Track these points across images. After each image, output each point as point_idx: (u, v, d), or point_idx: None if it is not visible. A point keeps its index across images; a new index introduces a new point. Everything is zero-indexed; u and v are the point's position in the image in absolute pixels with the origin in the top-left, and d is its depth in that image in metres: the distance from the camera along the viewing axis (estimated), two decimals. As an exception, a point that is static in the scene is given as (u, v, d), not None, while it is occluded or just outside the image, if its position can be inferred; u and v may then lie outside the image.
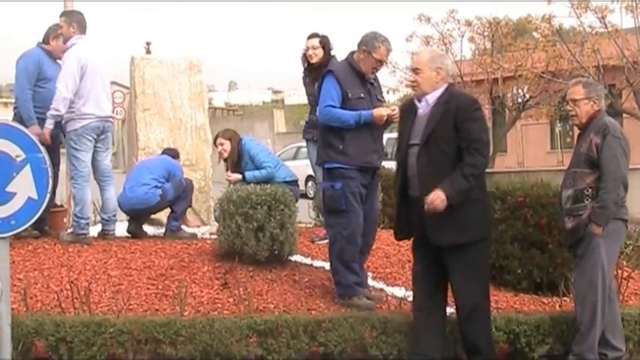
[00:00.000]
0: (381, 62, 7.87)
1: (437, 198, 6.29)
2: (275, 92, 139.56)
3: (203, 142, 11.38)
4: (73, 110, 9.28)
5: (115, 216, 9.73)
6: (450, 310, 6.99)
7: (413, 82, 6.73)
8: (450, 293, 6.82)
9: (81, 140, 9.34)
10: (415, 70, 6.68)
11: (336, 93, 7.78)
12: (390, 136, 17.14)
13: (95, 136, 9.43)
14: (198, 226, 10.56)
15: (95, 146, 9.50)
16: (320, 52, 9.50)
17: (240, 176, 9.97)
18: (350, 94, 7.76)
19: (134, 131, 11.23)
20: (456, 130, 6.42)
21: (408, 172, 6.58)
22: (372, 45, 7.78)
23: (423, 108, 6.61)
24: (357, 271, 7.84)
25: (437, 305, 6.73)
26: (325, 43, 9.52)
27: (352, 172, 7.67)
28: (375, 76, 8.15)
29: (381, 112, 7.67)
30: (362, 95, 7.81)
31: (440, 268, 6.62)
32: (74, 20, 9.56)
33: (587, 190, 6.80)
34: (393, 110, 7.69)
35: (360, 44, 7.85)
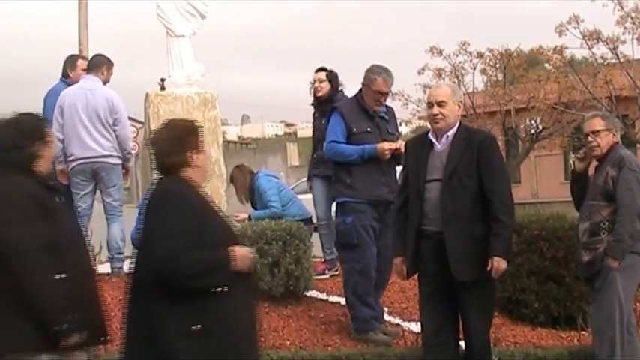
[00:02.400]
0: (380, 93, 7.86)
1: (500, 266, 6.28)
2: (288, 125, 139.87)
3: (217, 178, 11.35)
4: (64, 152, 9.38)
5: (119, 254, 9.54)
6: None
7: (436, 115, 6.54)
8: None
9: (72, 182, 9.34)
10: (440, 103, 6.56)
11: (340, 128, 7.87)
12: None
13: (85, 179, 9.39)
14: None
15: (98, 186, 9.54)
16: (326, 86, 9.47)
17: (246, 216, 9.95)
18: (355, 129, 7.82)
19: (149, 167, 11.24)
20: (477, 165, 6.39)
21: (425, 207, 6.52)
22: (368, 78, 7.86)
23: (442, 144, 6.55)
24: (373, 305, 7.82)
25: (449, 343, 6.66)
26: (332, 78, 9.48)
27: (363, 205, 7.71)
28: (390, 109, 8.16)
29: (383, 146, 7.68)
30: (368, 129, 7.84)
31: (449, 305, 6.56)
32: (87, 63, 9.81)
33: (604, 224, 6.74)
34: (399, 145, 7.70)
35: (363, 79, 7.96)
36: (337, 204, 7.96)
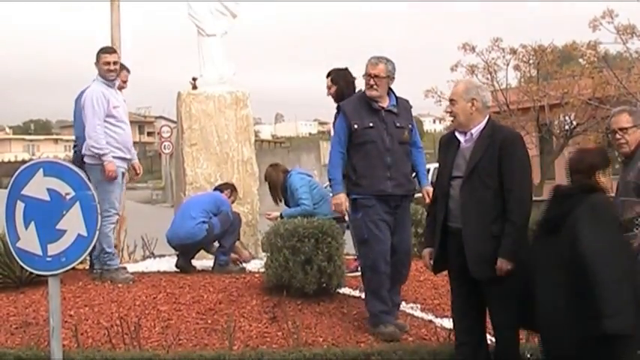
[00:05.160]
0: (369, 76, 7.96)
1: (503, 267, 6.29)
2: (321, 123, 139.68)
3: (250, 176, 11.40)
4: None
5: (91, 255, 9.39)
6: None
7: (449, 112, 6.78)
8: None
9: None
10: (451, 101, 6.72)
11: (342, 128, 8.06)
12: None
13: None
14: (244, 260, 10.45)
15: None
16: (334, 90, 9.42)
17: (278, 214, 10.00)
18: (356, 126, 7.95)
19: (181, 166, 11.30)
20: (499, 164, 6.40)
21: (450, 203, 6.57)
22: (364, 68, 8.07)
23: (467, 141, 6.59)
24: (385, 300, 7.92)
25: (479, 339, 6.67)
26: (337, 79, 9.41)
27: (371, 200, 7.87)
28: (401, 102, 8.18)
29: (335, 203, 8.05)
30: (371, 125, 7.95)
31: (478, 300, 6.57)
32: None
33: (638, 219, 6.63)
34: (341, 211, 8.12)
35: None
36: (350, 201, 8.06)
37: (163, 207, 36.60)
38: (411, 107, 8.34)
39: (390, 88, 8.12)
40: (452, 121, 6.81)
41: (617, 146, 6.93)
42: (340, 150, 8.00)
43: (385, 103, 8.02)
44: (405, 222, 8.10)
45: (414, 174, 8.29)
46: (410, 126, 8.19)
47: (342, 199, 7.92)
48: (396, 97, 8.15)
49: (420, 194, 8.38)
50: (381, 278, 7.85)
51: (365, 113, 7.95)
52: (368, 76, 7.96)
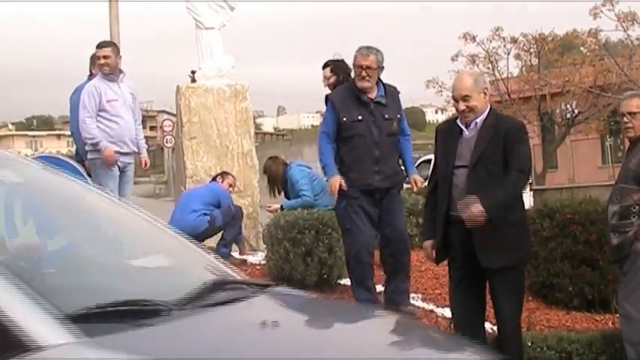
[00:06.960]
0: (360, 67, 7.89)
1: (478, 212, 6.22)
2: (323, 115, 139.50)
3: (250, 169, 11.41)
4: None
5: None
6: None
7: (463, 110, 6.43)
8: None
9: None
10: (465, 98, 6.49)
11: (331, 119, 8.01)
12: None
13: None
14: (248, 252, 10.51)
15: None
16: (334, 80, 9.28)
17: (278, 206, 10.01)
18: (345, 118, 7.89)
19: (182, 160, 11.31)
20: (504, 152, 6.37)
21: (453, 193, 6.53)
22: (353, 59, 8.02)
23: (471, 130, 6.53)
24: (370, 289, 7.94)
25: (478, 328, 6.67)
26: (337, 70, 9.13)
27: (354, 192, 7.82)
28: (389, 91, 8.11)
29: (333, 184, 7.81)
30: (359, 118, 7.87)
31: (478, 290, 6.56)
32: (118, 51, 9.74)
33: (635, 207, 6.56)
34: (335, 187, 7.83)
35: None
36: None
37: (166, 201, 36.56)
38: (399, 94, 8.25)
39: (378, 77, 8.04)
40: (466, 116, 6.60)
41: (623, 130, 6.90)
42: (328, 140, 7.94)
43: (374, 94, 7.93)
44: (394, 211, 8.01)
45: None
46: (398, 116, 8.12)
47: (338, 180, 7.76)
48: (384, 86, 8.08)
49: (409, 185, 8.39)
50: (364, 268, 7.86)
51: (353, 105, 7.88)
52: (359, 67, 7.86)
